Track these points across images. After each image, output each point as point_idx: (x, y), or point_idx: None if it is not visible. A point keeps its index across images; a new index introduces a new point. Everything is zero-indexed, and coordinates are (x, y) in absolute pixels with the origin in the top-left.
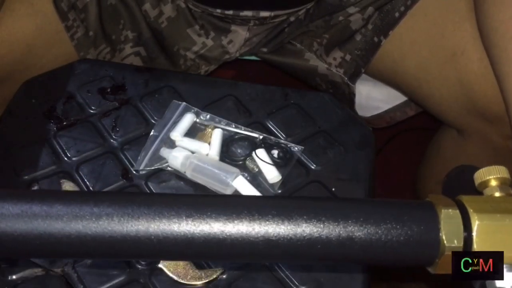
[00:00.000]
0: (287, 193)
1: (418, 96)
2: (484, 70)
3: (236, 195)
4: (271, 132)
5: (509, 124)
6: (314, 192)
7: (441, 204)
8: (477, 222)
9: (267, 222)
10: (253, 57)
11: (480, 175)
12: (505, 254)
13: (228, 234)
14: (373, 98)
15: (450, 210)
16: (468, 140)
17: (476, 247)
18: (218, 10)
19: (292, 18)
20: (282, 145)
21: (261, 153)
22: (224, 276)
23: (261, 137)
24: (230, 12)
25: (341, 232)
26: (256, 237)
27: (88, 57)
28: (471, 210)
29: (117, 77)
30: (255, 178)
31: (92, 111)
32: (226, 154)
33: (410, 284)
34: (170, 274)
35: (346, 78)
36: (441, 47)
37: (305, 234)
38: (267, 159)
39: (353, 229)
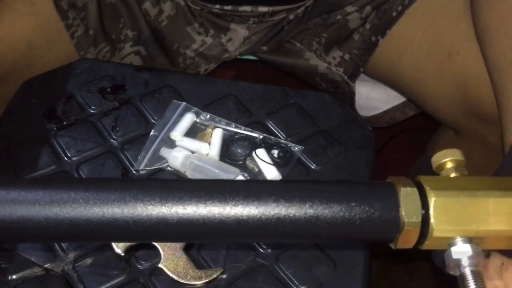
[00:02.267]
0: None
1: (415, 96)
2: (479, 70)
3: (210, 180)
4: (271, 132)
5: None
6: None
7: (400, 183)
8: (433, 199)
9: (238, 203)
10: (253, 57)
11: (437, 159)
12: (459, 228)
13: (200, 215)
14: (373, 98)
15: (408, 189)
16: (464, 140)
17: (433, 221)
18: (217, 6)
19: (291, 16)
20: (282, 145)
21: (261, 153)
22: (224, 276)
23: (261, 137)
24: (229, 7)
25: (307, 212)
26: (227, 217)
27: (88, 56)
28: (428, 188)
29: (117, 77)
30: (255, 178)
31: (92, 111)
32: (226, 154)
33: (410, 283)
34: (170, 274)
35: (346, 77)
36: (437, 46)
37: (273, 214)
38: (267, 159)
39: (318, 209)
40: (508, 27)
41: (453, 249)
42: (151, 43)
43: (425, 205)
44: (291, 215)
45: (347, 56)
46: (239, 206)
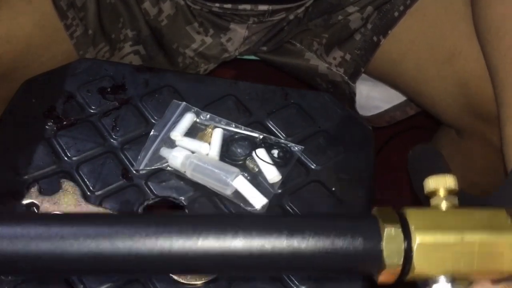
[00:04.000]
0: (287, 192)
1: (416, 96)
2: (481, 71)
3: (197, 215)
4: (271, 132)
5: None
6: (314, 192)
7: (385, 221)
8: (417, 242)
9: (225, 238)
10: (253, 57)
11: (429, 185)
12: (442, 268)
13: (187, 250)
14: (373, 97)
15: (392, 229)
16: (466, 140)
17: (415, 262)
18: (217, 4)
19: (291, 17)
20: (282, 144)
21: (261, 152)
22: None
23: (261, 136)
24: (229, 5)
25: (289, 246)
26: (209, 251)
27: (87, 56)
28: (413, 227)
29: (117, 77)
30: (255, 177)
31: (92, 111)
32: (226, 153)
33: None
34: (170, 274)
35: (346, 78)
36: (439, 47)
37: (256, 247)
38: (267, 159)
39: (300, 243)
40: (508, 28)
41: (434, 286)
42: (151, 43)
43: (408, 245)
44: (275, 250)
45: (348, 57)
46: (223, 240)
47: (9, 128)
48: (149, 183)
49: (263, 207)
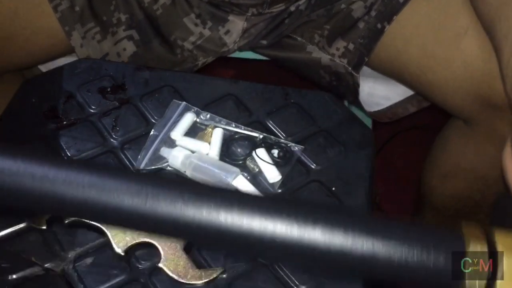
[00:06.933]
0: (287, 192)
1: (422, 86)
2: (487, 54)
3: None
4: (271, 132)
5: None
6: (314, 192)
7: (470, 239)
8: (504, 267)
9: (303, 227)
10: (253, 56)
11: None
12: None
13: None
14: (375, 94)
15: (478, 248)
16: (475, 130)
17: None
18: None
19: (292, 8)
20: (282, 144)
21: (261, 152)
22: (224, 276)
23: (261, 136)
24: None
25: (366, 248)
26: (291, 240)
27: (75, 34)
28: (501, 250)
29: (117, 77)
30: (255, 177)
31: (92, 111)
32: (226, 153)
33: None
34: (170, 274)
35: (350, 68)
36: (444, 28)
37: (338, 244)
38: (267, 159)
39: (377, 246)
40: (507, 14)
41: None
42: (145, 27)
43: (494, 271)
44: (347, 248)
45: (351, 46)
46: (302, 230)
47: (9, 128)
48: None
49: None
